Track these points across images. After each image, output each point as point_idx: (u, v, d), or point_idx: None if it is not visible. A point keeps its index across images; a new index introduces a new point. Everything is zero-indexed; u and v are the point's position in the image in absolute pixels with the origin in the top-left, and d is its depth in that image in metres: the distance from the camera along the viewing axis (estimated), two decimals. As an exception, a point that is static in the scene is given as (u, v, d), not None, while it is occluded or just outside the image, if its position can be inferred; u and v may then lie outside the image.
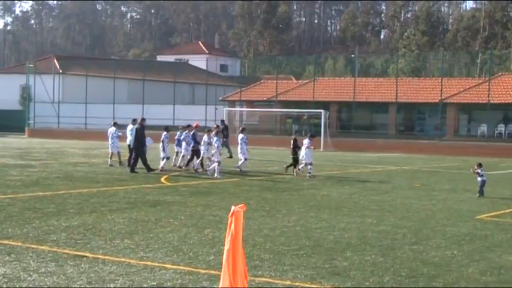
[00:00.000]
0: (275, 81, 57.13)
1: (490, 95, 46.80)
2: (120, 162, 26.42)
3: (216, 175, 22.81)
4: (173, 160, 25.98)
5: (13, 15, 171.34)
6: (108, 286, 8.34)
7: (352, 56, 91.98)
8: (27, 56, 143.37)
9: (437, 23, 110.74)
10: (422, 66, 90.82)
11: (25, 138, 55.74)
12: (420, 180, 24.12)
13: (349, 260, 10.06)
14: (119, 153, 26.85)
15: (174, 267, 9.36)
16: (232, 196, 17.65)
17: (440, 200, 18.04)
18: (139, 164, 23.91)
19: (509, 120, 50.30)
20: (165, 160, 24.93)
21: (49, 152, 36.45)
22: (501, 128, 49.56)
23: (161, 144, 25.08)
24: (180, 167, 25.67)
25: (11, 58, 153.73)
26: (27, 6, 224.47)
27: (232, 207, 6.23)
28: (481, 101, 48.49)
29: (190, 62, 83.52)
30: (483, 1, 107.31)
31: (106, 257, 9.82)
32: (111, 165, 26.22)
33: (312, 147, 24.70)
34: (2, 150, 35.68)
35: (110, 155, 26.91)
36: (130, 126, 26.43)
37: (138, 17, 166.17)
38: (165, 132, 25.56)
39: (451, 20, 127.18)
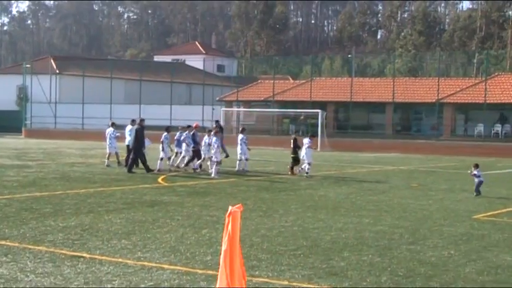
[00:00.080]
0: (272, 82, 57.12)
1: (486, 95, 46.81)
2: (119, 163, 26.41)
3: (213, 175, 22.84)
4: (171, 160, 25.97)
5: (10, 15, 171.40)
6: (106, 286, 8.34)
7: (349, 56, 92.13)
8: (23, 56, 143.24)
9: (433, 23, 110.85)
10: (419, 66, 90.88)
11: (22, 139, 55.61)
12: (417, 180, 24.14)
13: (347, 260, 10.08)
14: (116, 153, 26.84)
15: (172, 267, 9.36)
16: (230, 196, 17.64)
17: (437, 199, 18.06)
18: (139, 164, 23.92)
19: (505, 120, 50.37)
20: (161, 161, 24.92)
21: (46, 152, 36.40)
22: (498, 127, 49.57)
23: (161, 144, 25.10)
24: (178, 166, 25.67)
25: (8, 58, 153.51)
26: (23, 6, 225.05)
27: (230, 208, 6.22)
28: (477, 101, 48.54)
29: (187, 62, 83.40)
30: (479, 1, 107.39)
31: (103, 258, 9.82)
32: (108, 165, 26.22)
33: (313, 147, 24.82)
34: (-2, 151, 35.65)
35: (107, 155, 26.91)
36: (129, 127, 26.40)
37: (134, 17, 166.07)
38: (165, 133, 25.55)
39: (447, 20, 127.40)
